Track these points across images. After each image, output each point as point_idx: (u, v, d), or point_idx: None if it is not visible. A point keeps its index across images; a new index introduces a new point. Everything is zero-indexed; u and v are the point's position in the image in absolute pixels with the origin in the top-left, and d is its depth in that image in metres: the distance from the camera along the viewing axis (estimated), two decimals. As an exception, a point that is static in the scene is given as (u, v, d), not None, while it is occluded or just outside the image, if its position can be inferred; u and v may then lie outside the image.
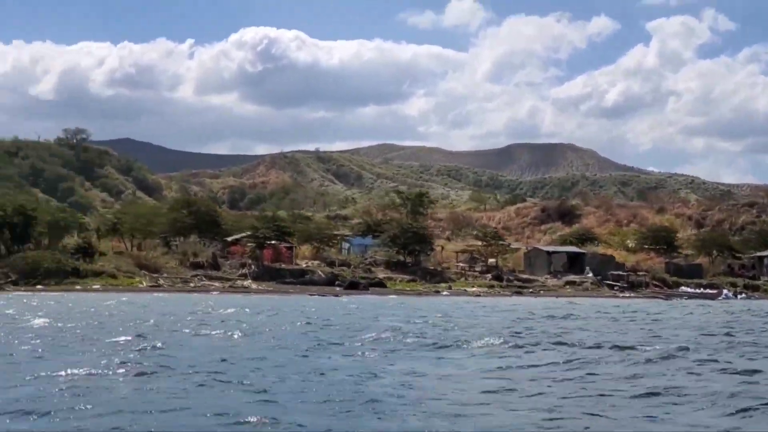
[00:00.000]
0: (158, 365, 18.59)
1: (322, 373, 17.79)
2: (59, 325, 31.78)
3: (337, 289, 78.32)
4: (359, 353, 22.37)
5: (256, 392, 14.99)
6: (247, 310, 44.63)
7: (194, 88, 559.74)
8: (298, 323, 34.31)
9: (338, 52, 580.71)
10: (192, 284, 77.43)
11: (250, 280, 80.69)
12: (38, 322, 33.00)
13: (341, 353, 22.44)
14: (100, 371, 17.48)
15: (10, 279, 75.01)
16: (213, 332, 28.89)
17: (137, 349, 22.47)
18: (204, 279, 80.00)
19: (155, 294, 67.67)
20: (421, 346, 24.28)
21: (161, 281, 77.95)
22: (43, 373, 16.97)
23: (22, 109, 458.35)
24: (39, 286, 72.99)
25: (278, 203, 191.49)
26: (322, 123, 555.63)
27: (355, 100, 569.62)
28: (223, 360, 20.02)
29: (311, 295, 71.47)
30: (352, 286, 79.14)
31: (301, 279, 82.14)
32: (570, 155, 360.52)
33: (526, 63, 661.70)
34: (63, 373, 16.99)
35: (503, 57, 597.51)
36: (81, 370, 17.36)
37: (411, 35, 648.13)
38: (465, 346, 24.60)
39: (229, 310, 43.27)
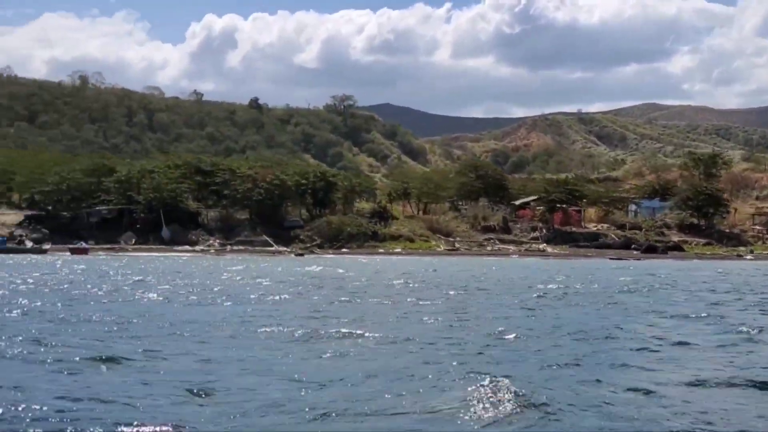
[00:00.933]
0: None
1: None
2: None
3: (635, 252, 76.92)
4: None
5: None
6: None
7: (451, 52, 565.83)
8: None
9: (598, 10, 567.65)
10: (489, 248, 78.57)
11: (544, 244, 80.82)
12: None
13: None
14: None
15: (315, 242, 79.31)
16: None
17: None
18: (497, 242, 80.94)
19: (484, 258, 68.89)
20: None
21: (457, 245, 79.60)
22: None
23: (288, 78, 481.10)
24: (344, 249, 76.69)
25: (543, 166, 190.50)
26: (579, 84, 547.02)
27: (614, 59, 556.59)
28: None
29: (611, 258, 70.62)
30: (650, 250, 77.43)
31: (595, 243, 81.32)
32: None
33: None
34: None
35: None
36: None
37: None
38: None
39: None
